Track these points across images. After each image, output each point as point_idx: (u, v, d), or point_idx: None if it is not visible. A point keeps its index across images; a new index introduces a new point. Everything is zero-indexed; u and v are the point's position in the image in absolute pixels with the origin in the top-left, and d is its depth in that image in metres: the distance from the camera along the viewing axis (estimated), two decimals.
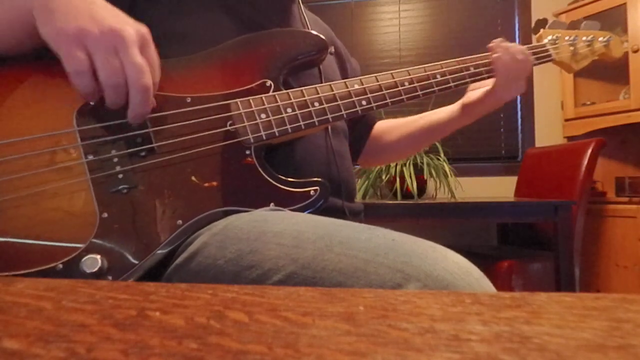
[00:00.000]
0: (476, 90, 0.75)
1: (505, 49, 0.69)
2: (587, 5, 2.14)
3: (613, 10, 2.07)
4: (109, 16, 0.45)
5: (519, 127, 2.40)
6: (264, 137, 0.53)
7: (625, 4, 2.01)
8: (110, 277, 0.44)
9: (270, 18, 0.64)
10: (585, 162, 1.70)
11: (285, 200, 0.52)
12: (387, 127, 0.88)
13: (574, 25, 0.80)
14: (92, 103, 0.48)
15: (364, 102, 0.59)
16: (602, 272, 2.01)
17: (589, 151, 1.70)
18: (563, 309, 0.19)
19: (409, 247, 0.39)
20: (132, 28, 0.45)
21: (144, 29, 0.47)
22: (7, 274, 0.42)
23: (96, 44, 0.43)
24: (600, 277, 2.01)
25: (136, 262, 0.45)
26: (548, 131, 2.34)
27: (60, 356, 0.14)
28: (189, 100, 0.52)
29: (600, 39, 0.80)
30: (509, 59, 0.69)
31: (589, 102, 2.19)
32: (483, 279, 0.38)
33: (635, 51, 1.98)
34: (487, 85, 0.73)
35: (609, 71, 2.12)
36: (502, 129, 2.41)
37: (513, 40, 2.41)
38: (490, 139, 2.41)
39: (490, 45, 0.71)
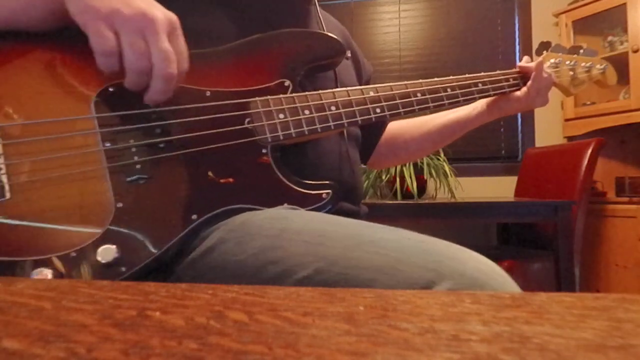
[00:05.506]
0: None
1: (540, 69, 0.77)
2: (587, 5, 2.14)
3: (613, 10, 2.07)
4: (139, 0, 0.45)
5: (519, 127, 2.40)
6: (281, 137, 0.53)
7: (625, 4, 2.01)
8: (123, 268, 0.44)
9: (286, 20, 0.63)
10: (585, 162, 1.70)
11: (298, 201, 0.52)
12: (399, 127, 0.87)
13: (574, 51, 0.86)
14: (111, 89, 0.48)
15: (378, 110, 0.60)
16: (602, 272, 2.01)
17: (589, 151, 1.70)
18: (563, 309, 0.19)
19: (439, 248, 0.40)
20: (161, 14, 0.45)
21: (174, 17, 0.47)
22: (19, 258, 0.41)
23: (125, 25, 0.43)
24: (600, 277, 2.01)
25: (150, 254, 0.45)
26: (548, 131, 2.34)
27: (60, 356, 0.14)
28: (208, 94, 0.52)
29: (598, 66, 0.85)
30: (542, 74, 0.76)
31: (589, 102, 2.19)
32: (510, 279, 0.39)
33: (635, 51, 1.97)
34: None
35: None
36: (502, 129, 2.41)
37: (513, 40, 2.41)
38: (490, 139, 2.41)
39: (527, 65, 0.78)
